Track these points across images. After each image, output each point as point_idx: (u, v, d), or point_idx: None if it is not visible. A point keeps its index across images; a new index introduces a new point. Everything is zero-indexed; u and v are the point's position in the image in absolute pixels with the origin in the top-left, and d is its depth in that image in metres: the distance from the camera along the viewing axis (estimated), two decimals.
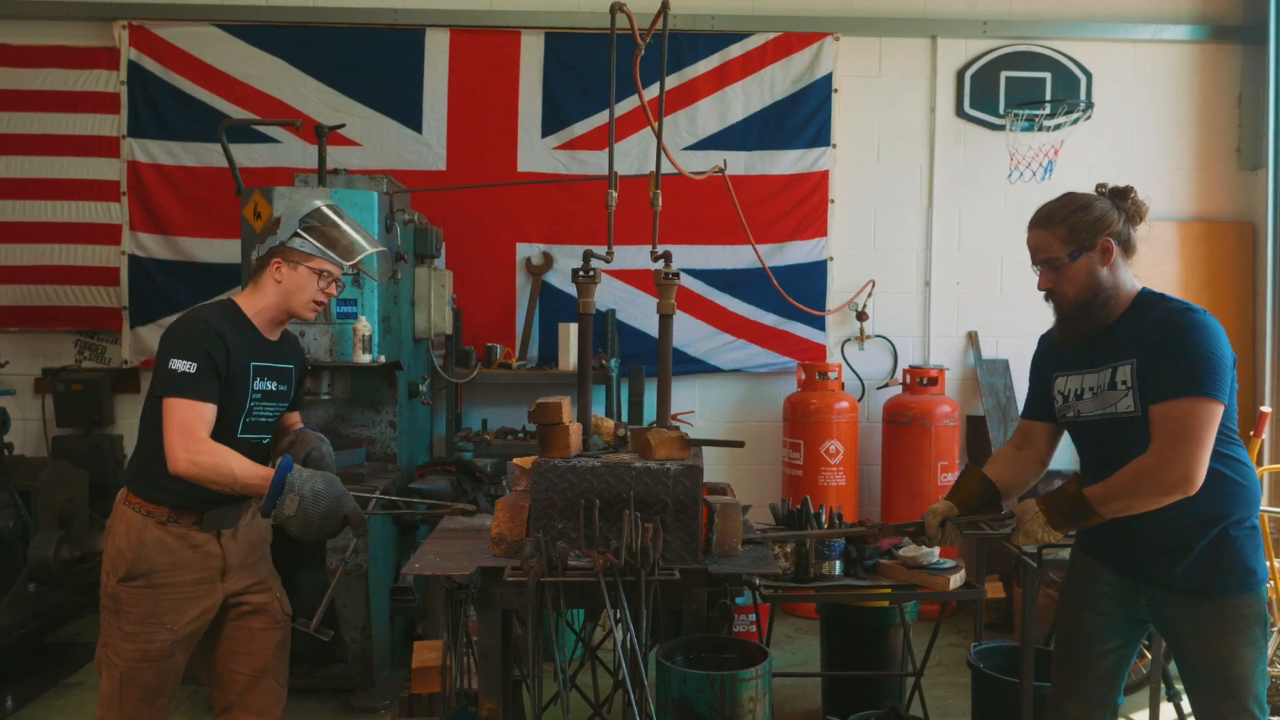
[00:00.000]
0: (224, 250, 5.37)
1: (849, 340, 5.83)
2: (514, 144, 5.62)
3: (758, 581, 2.98)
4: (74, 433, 5.55)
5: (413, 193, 5.09)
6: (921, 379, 5.40)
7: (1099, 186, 2.44)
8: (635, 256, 5.19)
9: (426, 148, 5.59)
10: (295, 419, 2.85)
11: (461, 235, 5.53)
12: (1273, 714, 2.48)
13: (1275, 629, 3.50)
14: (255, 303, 2.59)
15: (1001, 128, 5.66)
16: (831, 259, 5.73)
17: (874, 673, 3.87)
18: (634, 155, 5.51)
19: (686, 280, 5.54)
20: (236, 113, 5.48)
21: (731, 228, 5.28)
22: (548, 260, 5.65)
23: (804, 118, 5.67)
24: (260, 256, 2.60)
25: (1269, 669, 2.44)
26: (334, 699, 4.21)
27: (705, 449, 3.17)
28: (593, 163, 5.56)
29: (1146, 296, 2.38)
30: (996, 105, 5.72)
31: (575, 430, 2.78)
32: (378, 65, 5.56)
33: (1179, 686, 3.57)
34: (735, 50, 5.65)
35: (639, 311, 5.63)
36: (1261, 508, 2.71)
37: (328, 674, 4.33)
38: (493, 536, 2.72)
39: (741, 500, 2.94)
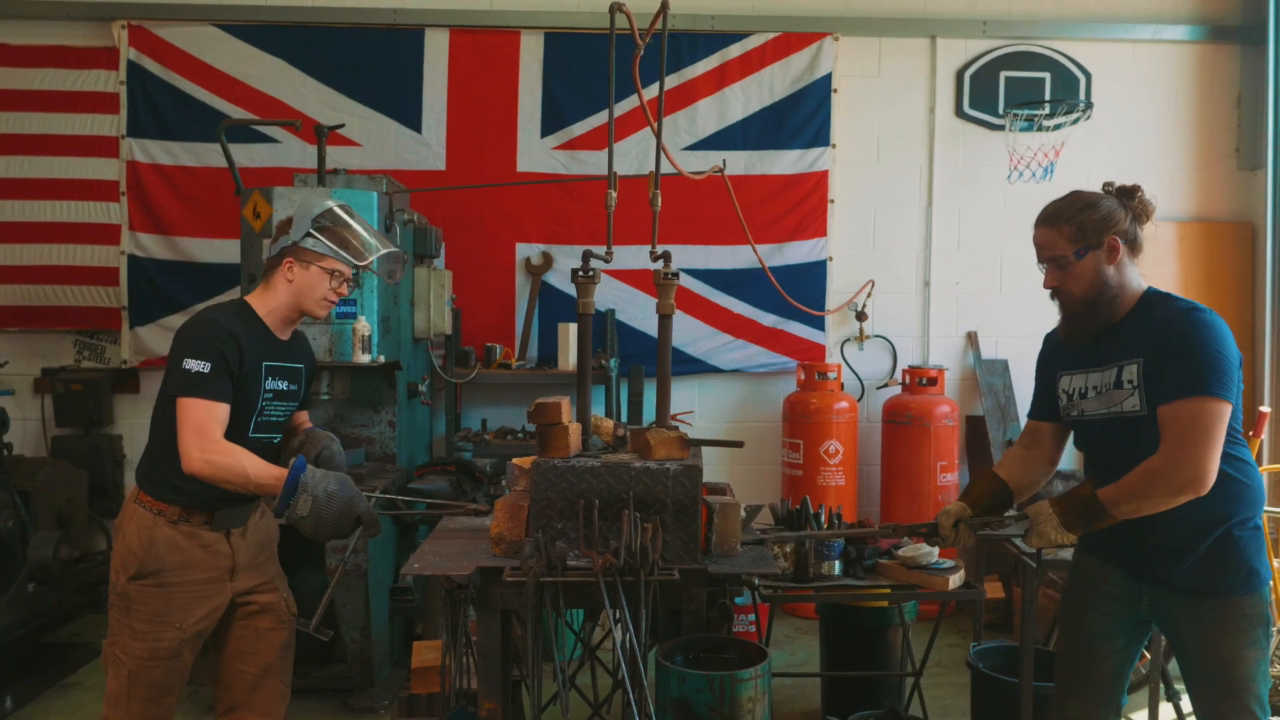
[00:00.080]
0: (223, 250, 5.36)
1: (848, 340, 5.83)
2: (513, 144, 5.62)
3: (757, 581, 2.98)
4: (73, 433, 5.55)
5: (412, 193, 5.09)
6: (921, 379, 5.40)
7: (1106, 185, 2.44)
8: (635, 256, 5.19)
9: (426, 148, 5.59)
10: (304, 418, 2.87)
11: (461, 235, 5.53)
12: (1274, 715, 2.47)
13: (1278, 629, 3.50)
14: (267, 302, 2.61)
15: (1001, 128, 5.66)
16: (831, 259, 5.73)
17: (873, 673, 3.87)
18: (633, 155, 5.51)
19: (686, 280, 5.54)
20: (236, 113, 5.47)
21: (731, 228, 5.28)
22: (547, 260, 5.65)
23: (803, 118, 5.67)
24: (272, 256, 2.62)
25: (1271, 669, 2.43)
26: (333, 699, 4.21)
27: (705, 449, 3.17)
28: (592, 163, 5.56)
29: (1152, 295, 2.38)
30: (996, 105, 5.72)
31: (575, 430, 2.78)
32: (377, 65, 5.56)
33: (1178, 686, 3.57)
34: (735, 50, 5.65)
35: (638, 311, 5.63)
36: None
37: (327, 674, 4.33)
38: (492, 536, 2.72)
39: (741, 500, 2.94)
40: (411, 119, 5.58)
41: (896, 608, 3.75)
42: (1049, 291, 2.45)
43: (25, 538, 4.63)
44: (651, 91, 3.41)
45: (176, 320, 5.47)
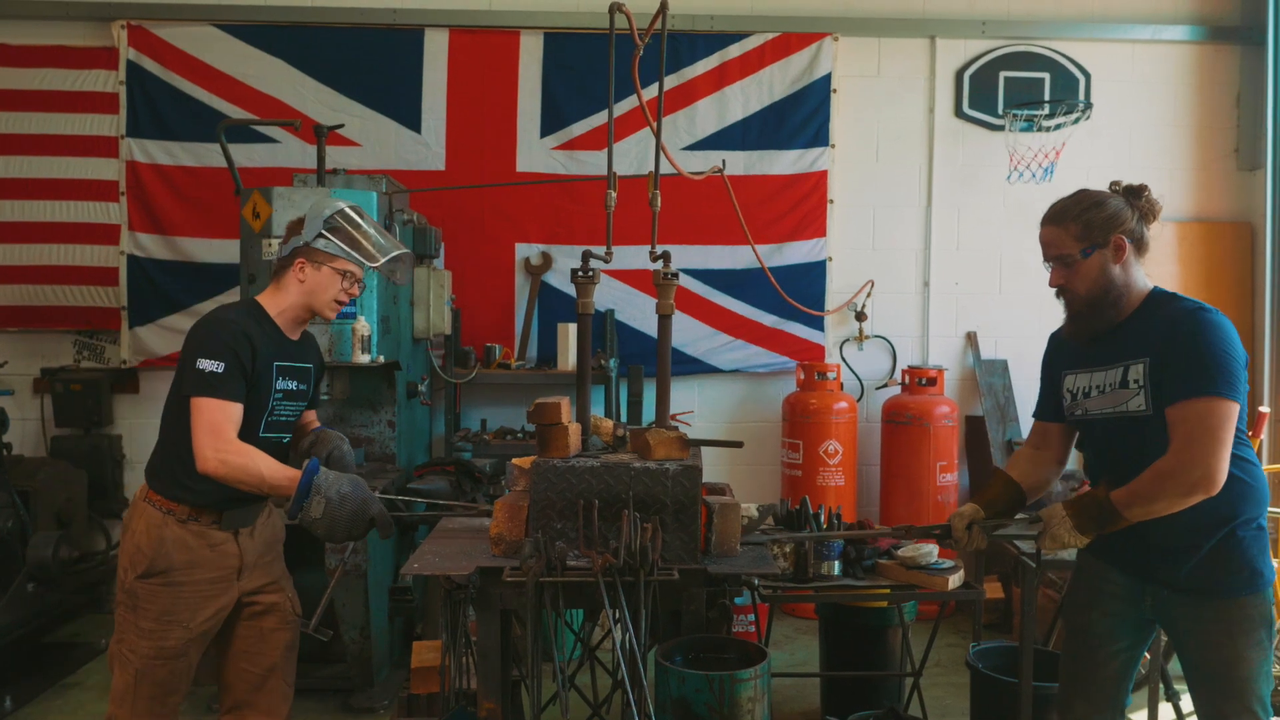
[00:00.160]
0: (223, 250, 5.36)
1: (848, 340, 5.83)
2: (513, 144, 5.62)
3: (756, 581, 2.97)
4: (73, 433, 5.55)
5: (412, 193, 5.10)
6: (920, 379, 5.40)
7: (1113, 184, 2.43)
8: (634, 257, 5.18)
9: (425, 148, 5.59)
10: (312, 417, 2.88)
11: (460, 235, 5.53)
12: (1277, 716, 2.47)
13: None
14: (278, 302, 2.62)
15: (1000, 128, 5.66)
16: (830, 259, 5.73)
17: (873, 673, 3.88)
18: (633, 155, 5.51)
19: (685, 280, 5.54)
20: (235, 113, 5.47)
21: (730, 228, 5.28)
22: (547, 260, 5.65)
23: (803, 118, 5.67)
24: (283, 257, 2.63)
25: (1274, 670, 2.43)
26: (333, 699, 4.21)
27: (704, 449, 3.17)
28: (592, 163, 5.56)
29: (1158, 295, 2.38)
30: (995, 105, 5.72)
31: (574, 430, 2.78)
32: (377, 65, 5.56)
33: (1178, 686, 3.57)
34: (734, 50, 5.65)
35: (638, 312, 5.63)
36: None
37: (327, 674, 4.32)
38: (491, 536, 2.72)
39: (741, 500, 2.94)
40: (411, 119, 5.58)
41: (896, 608, 3.75)
42: (1054, 290, 2.44)
43: (25, 538, 4.63)
44: (651, 91, 3.41)
45: (176, 320, 5.47)
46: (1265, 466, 4.82)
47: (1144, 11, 5.78)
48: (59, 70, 5.51)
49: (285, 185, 4.30)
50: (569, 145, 5.62)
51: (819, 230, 5.71)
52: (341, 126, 4.95)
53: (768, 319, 5.70)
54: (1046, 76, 5.75)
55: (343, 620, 4.02)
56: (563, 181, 5.58)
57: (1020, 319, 5.75)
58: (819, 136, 5.69)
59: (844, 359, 5.81)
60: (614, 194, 3.06)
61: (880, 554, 3.23)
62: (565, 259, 5.59)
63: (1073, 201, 2.40)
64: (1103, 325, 2.38)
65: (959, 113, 5.78)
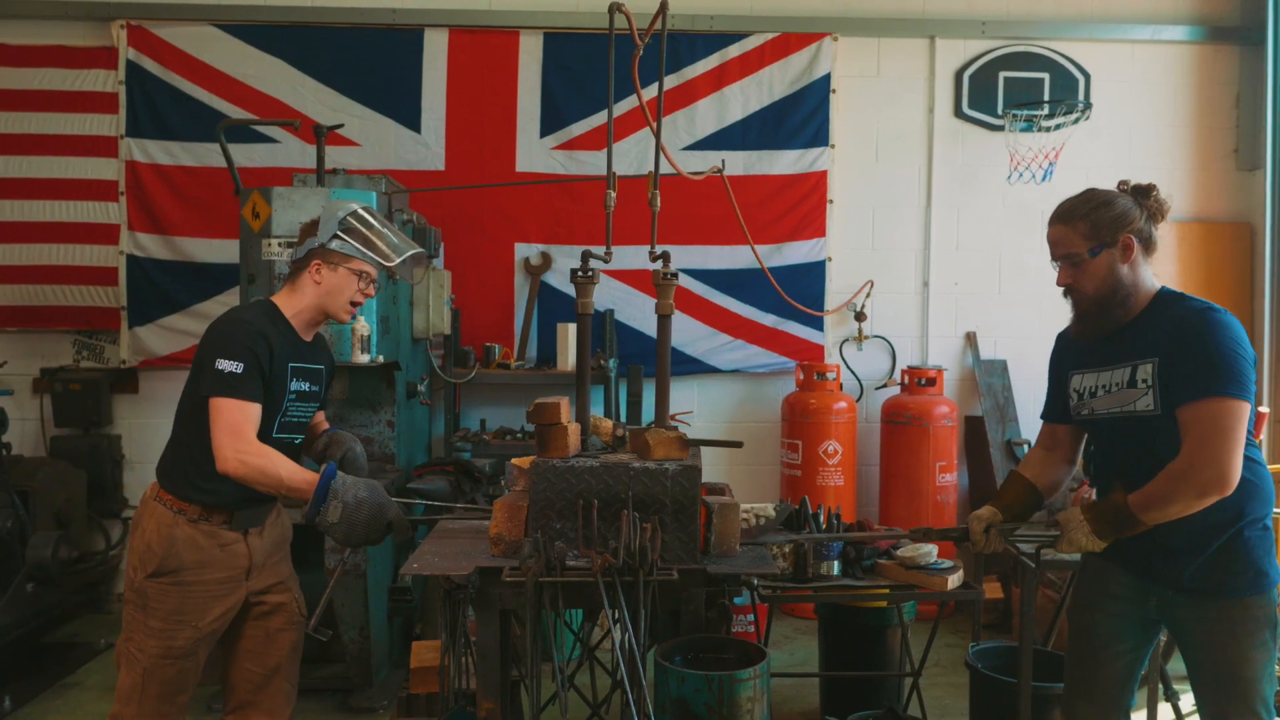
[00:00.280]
0: (222, 250, 5.36)
1: (847, 340, 5.83)
2: (513, 144, 5.62)
3: (756, 582, 2.98)
4: (72, 433, 5.54)
5: (411, 193, 5.09)
6: (920, 379, 5.40)
7: (1121, 184, 2.43)
8: (634, 257, 5.18)
9: (425, 148, 5.59)
10: (321, 418, 2.90)
11: (460, 235, 5.53)
12: None
13: None
14: (294, 304, 2.64)
15: (1000, 128, 5.66)
16: (830, 259, 5.73)
17: (872, 673, 3.87)
18: (633, 155, 5.51)
19: (685, 280, 5.54)
20: (235, 113, 5.47)
21: (730, 228, 5.28)
22: (546, 260, 5.65)
23: (802, 118, 5.67)
24: (298, 259, 2.65)
25: (1278, 671, 2.43)
26: (332, 699, 4.21)
27: (704, 449, 3.17)
28: (591, 163, 5.56)
29: (1166, 295, 2.38)
30: (995, 106, 5.73)
31: (574, 430, 2.78)
32: (376, 65, 5.56)
33: (1177, 686, 3.57)
34: (734, 50, 5.65)
35: (637, 312, 5.63)
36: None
37: (326, 674, 4.32)
38: (491, 537, 2.72)
39: (740, 500, 2.94)
40: (410, 119, 5.58)
41: (895, 608, 3.75)
42: (1062, 289, 2.43)
43: (24, 538, 4.63)
44: (651, 92, 3.41)
45: (175, 320, 5.47)
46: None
47: (1144, 12, 5.78)
48: (59, 70, 5.50)
49: (285, 185, 4.30)
50: (569, 145, 5.62)
51: (818, 230, 5.71)
52: (341, 126, 4.95)
53: (767, 319, 5.70)
54: (1046, 77, 5.75)
55: (342, 620, 4.02)
56: (562, 181, 5.58)
57: (1020, 319, 5.75)
58: (818, 136, 5.69)
59: (843, 359, 5.81)
60: (613, 194, 3.06)
61: (879, 554, 3.23)
62: (565, 259, 5.59)
63: (1081, 200, 2.40)
64: (1110, 325, 2.38)
65: (958, 113, 5.78)
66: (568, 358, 5.34)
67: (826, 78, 5.67)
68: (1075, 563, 3.11)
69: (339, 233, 2.62)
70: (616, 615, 2.41)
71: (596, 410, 5.17)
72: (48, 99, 5.51)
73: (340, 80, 5.55)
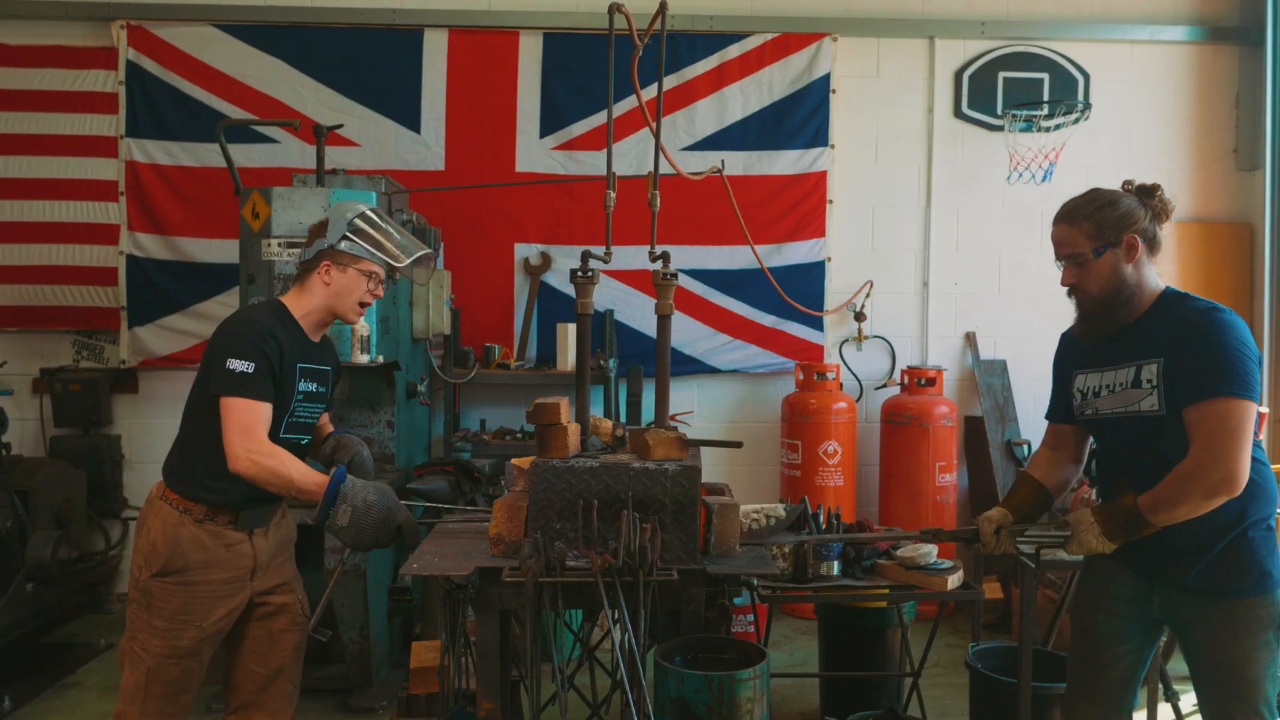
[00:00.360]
0: (222, 250, 5.36)
1: (847, 341, 5.83)
2: (512, 144, 5.62)
3: (756, 582, 2.98)
4: (72, 433, 5.54)
5: (411, 193, 5.10)
6: (919, 379, 5.40)
7: (1125, 184, 2.43)
8: (634, 257, 5.18)
9: (425, 148, 5.59)
10: (326, 420, 2.90)
11: (460, 235, 5.53)
12: None
13: None
14: (303, 304, 2.65)
15: (999, 128, 5.66)
16: (829, 259, 5.74)
17: (872, 673, 3.87)
18: (632, 156, 5.51)
19: (685, 281, 5.54)
20: (235, 113, 5.47)
21: (730, 228, 5.28)
22: (546, 260, 5.65)
23: (802, 118, 5.68)
24: (307, 260, 2.66)
25: None
26: (332, 699, 4.21)
27: (703, 449, 3.17)
28: (591, 163, 5.56)
29: (1170, 295, 2.37)
30: (994, 106, 5.73)
31: (573, 431, 2.78)
32: (376, 65, 5.56)
33: (1177, 687, 3.57)
34: (733, 51, 5.65)
35: (637, 312, 5.63)
36: None
37: (326, 674, 4.32)
38: (491, 537, 2.72)
39: (740, 501, 2.94)
40: (410, 119, 5.58)
41: (895, 608, 3.75)
42: (1066, 289, 2.43)
43: (24, 538, 4.63)
44: (650, 92, 3.41)
45: (175, 320, 5.47)
46: None
47: (1143, 12, 5.78)
48: (58, 70, 5.50)
49: (285, 185, 4.30)
50: (568, 145, 5.62)
51: (818, 230, 5.71)
52: (341, 126, 4.95)
53: (767, 319, 5.70)
54: (1046, 77, 5.76)
55: (342, 620, 4.02)
56: (562, 182, 5.58)
57: (1019, 319, 5.75)
58: (818, 137, 5.69)
59: (843, 359, 5.81)
60: (613, 194, 3.06)
61: (879, 554, 3.23)
62: (564, 259, 5.59)
63: (1085, 200, 2.40)
64: (1114, 325, 2.38)
65: (958, 113, 5.78)
66: (567, 358, 5.34)
67: (826, 78, 5.67)
68: (1075, 563, 3.11)
69: (348, 234, 2.63)
70: (616, 615, 2.41)
71: (596, 410, 5.17)
72: (48, 99, 5.51)
73: (340, 80, 5.55)
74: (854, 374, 5.81)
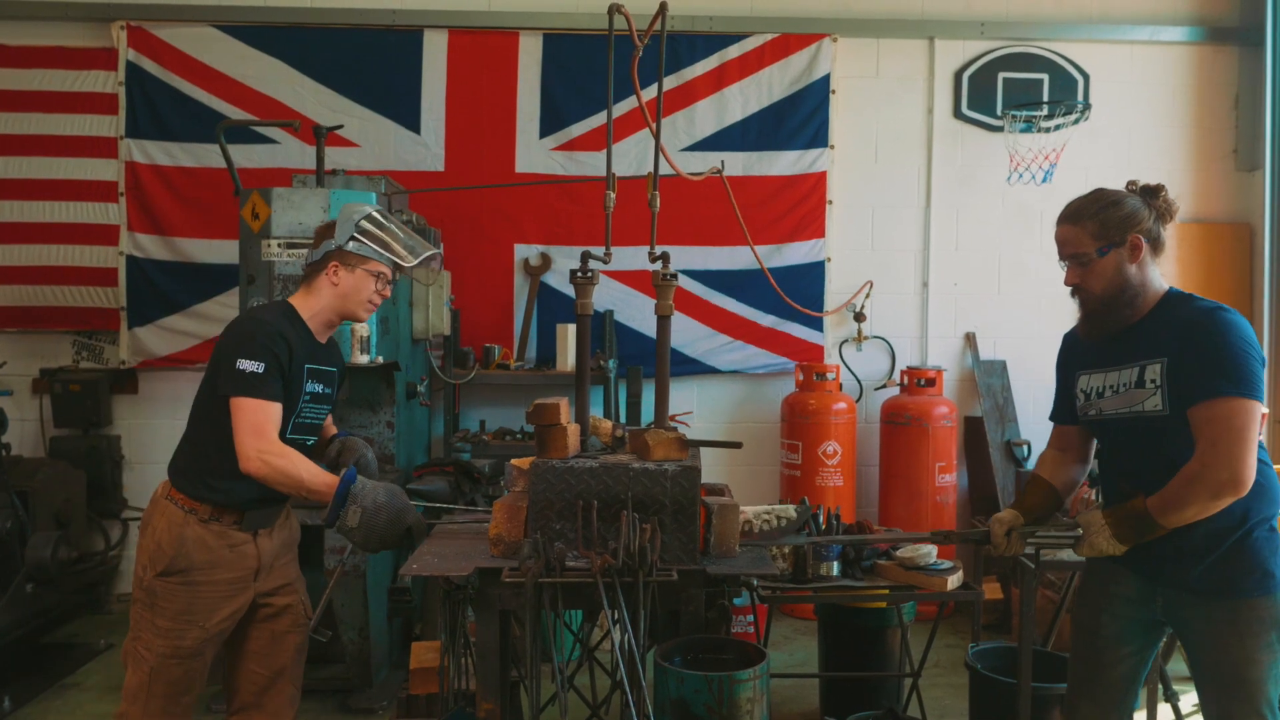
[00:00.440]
0: (222, 251, 5.36)
1: (847, 341, 5.83)
2: (512, 145, 5.62)
3: (755, 582, 2.98)
4: (71, 433, 5.54)
5: (411, 193, 5.10)
6: (919, 380, 5.40)
7: (1129, 184, 2.42)
8: (633, 257, 5.18)
9: (425, 148, 5.59)
10: (329, 422, 2.91)
11: (459, 236, 5.53)
12: None
13: None
14: (310, 305, 2.66)
15: (999, 129, 5.66)
16: (829, 260, 5.74)
17: (872, 673, 3.88)
18: (632, 156, 5.51)
19: (684, 281, 5.54)
20: (234, 113, 5.47)
21: (729, 229, 5.28)
22: (546, 261, 5.65)
23: (802, 119, 5.68)
24: (314, 261, 2.67)
25: None
26: (332, 699, 4.21)
27: (703, 450, 3.17)
28: (591, 164, 5.56)
29: (1174, 295, 2.37)
30: (994, 106, 5.73)
31: (573, 431, 2.78)
32: (376, 66, 5.56)
33: (1177, 687, 3.57)
34: (733, 51, 5.65)
35: (637, 312, 5.63)
36: None
37: (326, 674, 4.32)
38: (490, 537, 2.72)
39: (740, 501, 2.94)
40: (410, 120, 5.58)
41: (895, 608, 3.75)
42: (1070, 289, 2.43)
43: (23, 538, 4.63)
44: (650, 92, 3.41)
45: (175, 321, 5.47)
46: None
47: (1142, 12, 5.78)
48: (58, 71, 5.51)
49: (284, 186, 4.31)
50: (568, 146, 5.62)
51: (818, 231, 5.71)
52: (340, 127, 4.95)
53: (767, 320, 5.70)
54: (1045, 77, 5.76)
55: (342, 621, 4.02)
56: (562, 182, 5.58)
57: (1019, 320, 5.75)
58: (818, 137, 5.69)
59: (843, 359, 5.81)
60: (613, 195, 3.06)
61: (879, 554, 3.23)
62: (564, 259, 5.60)
63: (1089, 200, 2.39)
64: (1118, 325, 2.37)
65: (958, 114, 5.78)
66: (567, 358, 5.35)
67: (826, 78, 5.67)
68: (1074, 563, 3.12)
69: (356, 235, 2.64)
70: (616, 616, 2.41)
71: (596, 411, 5.17)
72: (47, 100, 5.51)
73: (340, 81, 5.55)
74: (854, 374, 5.81)
